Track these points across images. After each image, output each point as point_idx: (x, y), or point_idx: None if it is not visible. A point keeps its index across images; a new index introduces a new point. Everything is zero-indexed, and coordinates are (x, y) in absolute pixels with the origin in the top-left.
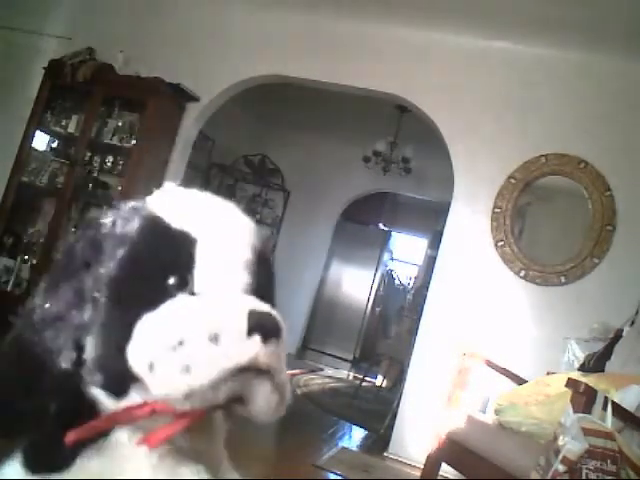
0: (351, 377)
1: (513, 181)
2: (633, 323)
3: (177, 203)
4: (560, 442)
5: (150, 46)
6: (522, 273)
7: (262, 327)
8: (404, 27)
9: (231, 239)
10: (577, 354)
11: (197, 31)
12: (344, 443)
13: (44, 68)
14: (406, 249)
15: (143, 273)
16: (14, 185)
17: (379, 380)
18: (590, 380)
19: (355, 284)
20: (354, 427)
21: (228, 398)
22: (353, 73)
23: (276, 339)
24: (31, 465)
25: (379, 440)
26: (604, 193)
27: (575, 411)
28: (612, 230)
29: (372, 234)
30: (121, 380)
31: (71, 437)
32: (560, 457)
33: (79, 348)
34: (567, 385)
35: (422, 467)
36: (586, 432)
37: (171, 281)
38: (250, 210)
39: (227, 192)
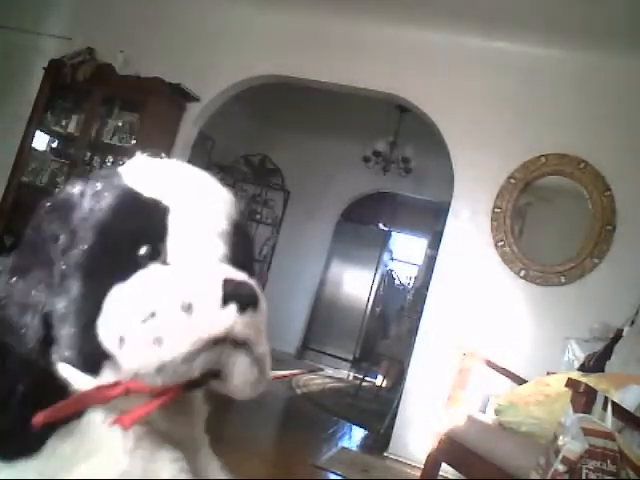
0: (351, 377)
1: (513, 181)
2: (633, 323)
3: (150, 172)
4: (560, 442)
5: (150, 46)
6: (522, 273)
7: (238, 296)
8: (404, 27)
9: (206, 208)
10: (577, 354)
11: (197, 31)
12: (344, 443)
13: (44, 68)
14: (406, 249)
15: (112, 243)
16: (14, 185)
17: (379, 380)
18: (590, 380)
19: (355, 284)
20: (354, 427)
21: (204, 372)
22: (353, 73)
23: (253, 309)
24: (2, 449)
25: (379, 440)
26: (604, 193)
27: (575, 411)
28: (612, 230)
29: (372, 234)
30: (93, 357)
31: (39, 419)
32: (560, 457)
33: (48, 326)
34: (567, 385)
35: (422, 467)
36: (586, 432)
37: (142, 251)
38: (250, 210)
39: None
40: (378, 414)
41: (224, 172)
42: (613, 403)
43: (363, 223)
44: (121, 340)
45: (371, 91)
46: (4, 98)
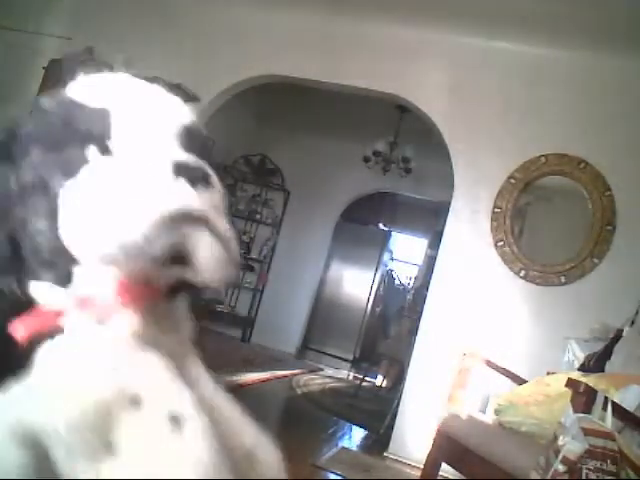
0: (351, 377)
1: (513, 181)
2: (633, 323)
3: (95, 84)
4: (560, 442)
5: (150, 46)
6: (522, 273)
7: (188, 172)
8: (404, 27)
9: (153, 113)
10: (577, 354)
11: (197, 31)
12: (344, 443)
13: (44, 68)
14: (406, 249)
15: (60, 147)
16: None
17: (379, 380)
18: (590, 380)
19: (355, 284)
20: (354, 427)
21: (171, 254)
22: (353, 73)
23: (205, 185)
24: None
25: (379, 440)
26: (604, 193)
27: (575, 411)
28: (612, 230)
29: (372, 234)
30: (62, 261)
31: (20, 331)
32: (560, 457)
33: (15, 246)
34: (567, 385)
35: (422, 467)
36: (586, 432)
37: (90, 150)
38: (250, 210)
39: (227, 192)
40: (378, 414)
41: (224, 172)
42: (613, 403)
43: (363, 223)
44: (82, 232)
45: (371, 91)
46: (4, 98)
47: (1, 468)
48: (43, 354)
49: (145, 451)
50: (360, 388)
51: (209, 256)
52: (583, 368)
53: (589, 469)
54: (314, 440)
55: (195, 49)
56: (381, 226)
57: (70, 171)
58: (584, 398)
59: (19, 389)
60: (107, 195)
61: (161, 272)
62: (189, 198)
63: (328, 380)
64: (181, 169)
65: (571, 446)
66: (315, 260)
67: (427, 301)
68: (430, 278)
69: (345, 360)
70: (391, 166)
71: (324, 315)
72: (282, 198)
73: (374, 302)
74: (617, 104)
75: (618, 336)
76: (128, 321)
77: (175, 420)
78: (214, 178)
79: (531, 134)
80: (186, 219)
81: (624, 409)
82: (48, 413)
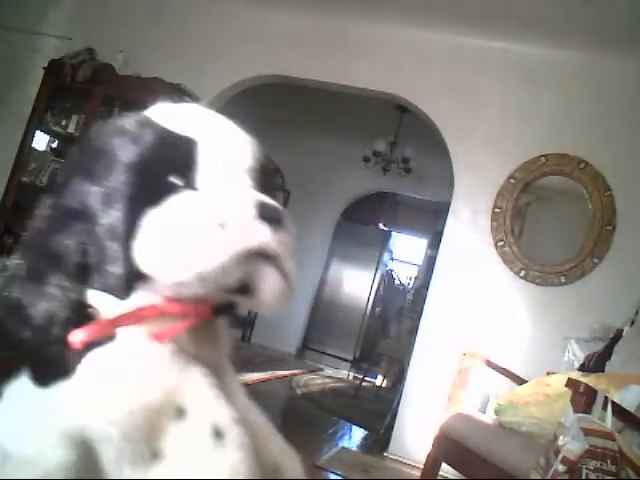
0: (351, 377)
1: (513, 181)
2: (633, 323)
3: (177, 113)
4: (560, 442)
5: (150, 46)
6: (522, 273)
7: (270, 215)
8: (404, 27)
9: (233, 145)
10: (577, 354)
11: (197, 31)
12: (344, 443)
13: (44, 68)
14: (406, 249)
15: (146, 173)
16: (14, 185)
17: (379, 380)
18: (590, 380)
19: (355, 284)
20: (354, 427)
21: (238, 284)
22: (353, 73)
23: (283, 229)
24: (39, 377)
25: (379, 440)
26: (604, 193)
27: (575, 411)
28: (612, 230)
29: (372, 234)
30: (128, 278)
31: (79, 337)
32: (560, 457)
33: (84, 255)
34: (567, 385)
35: (422, 467)
36: (586, 432)
37: (173, 179)
38: None
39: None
40: (378, 414)
41: None
42: (613, 403)
43: (363, 223)
44: (161, 257)
45: (371, 91)
46: (4, 98)
47: (49, 467)
48: (95, 359)
49: (189, 461)
50: (360, 388)
51: (273, 291)
52: (583, 368)
53: (589, 469)
54: (314, 440)
55: (195, 49)
56: (381, 226)
57: (153, 200)
58: (584, 398)
59: (70, 392)
60: (191, 226)
61: (224, 297)
62: (266, 237)
63: (328, 380)
64: (262, 209)
65: (571, 446)
66: (315, 260)
67: (427, 301)
68: (430, 278)
69: (345, 360)
70: (391, 166)
71: (324, 315)
72: (282, 198)
73: (374, 302)
74: (617, 104)
75: (618, 336)
76: (178, 336)
77: (218, 433)
78: (287, 221)
79: (531, 134)
80: (260, 256)
81: (624, 409)
82: (100, 416)
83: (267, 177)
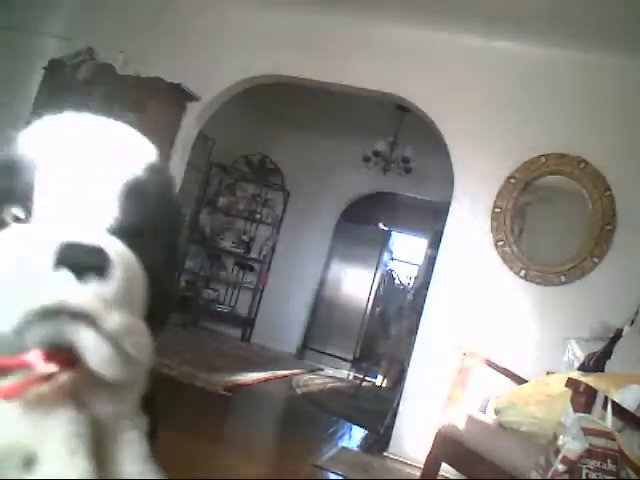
0: (351, 377)
1: (513, 181)
2: (633, 323)
3: (42, 129)
4: (560, 442)
5: (150, 46)
6: (522, 273)
7: (74, 261)
8: (404, 27)
9: (90, 162)
10: (577, 354)
11: (197, 31)
12: (344, 443)
13: (44, 68)
14: (406, 249)
15: None
16: None
17: (379, 380)
18: (590, 380)
19: (355, 284)
20: (354, 427)
21: (48, 347)
22: (353, 73)
23: (99, 277)
24: None
25: (379, 440)
26: (604, 193)
27: (575, 411)
28: (612, 230)
29: (372, 234)
30: None
31: None
32: (560, 457)
33: None
34: (567, 385)
35: (422, 467)
36: (586, 432)
37: (9, 212)
38: (250, 210)
39: (227, 192)
40: (378, 414)
41: (224, 172)
42: (613, 403)
43: (363, 223)
44: None
45: (371, 91)
46: (4, 98)
47: None
48: None
49: None
50: (360, 388)
51: (97, 358)
52: (583, 368)
53: (589, 469)
54: (314, 440)
55: (195, 49)
56: (381, 226)
57: None
58: (584, 398)
59: None
60: None
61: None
62: (69, 294)
63: (328, 380)
64: (67, 257)
65: (571, 446)
66: (315, 260)
67: (427, 301)
68: (430, 278)
69: (345, 360)
70: (391, 166)
71: (324, 315)
72: (282, 198)
73: (374, 302)
74: (617, 104)
75: (618, 336)
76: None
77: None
78: (114, 265)
79: (531, 134)
80: (66, 315)
81: (624, 409)
82: None
83: (149, 202)
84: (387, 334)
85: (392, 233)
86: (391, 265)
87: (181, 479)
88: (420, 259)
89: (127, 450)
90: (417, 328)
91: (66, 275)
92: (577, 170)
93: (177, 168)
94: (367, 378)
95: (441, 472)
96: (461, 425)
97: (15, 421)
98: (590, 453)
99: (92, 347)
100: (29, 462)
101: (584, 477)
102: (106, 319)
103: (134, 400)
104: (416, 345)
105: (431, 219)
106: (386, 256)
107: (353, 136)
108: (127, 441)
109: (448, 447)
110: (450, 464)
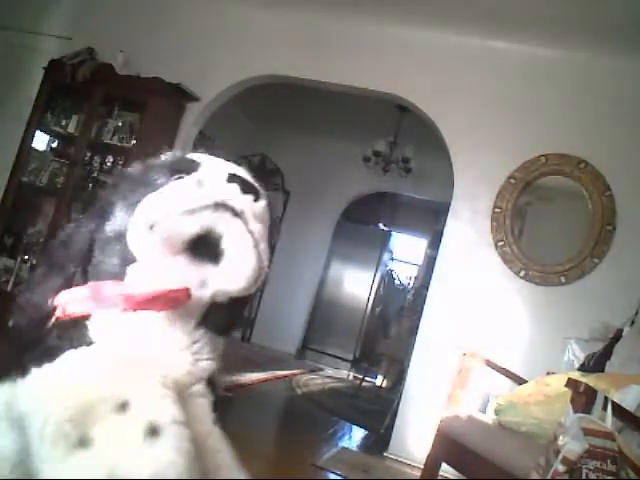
0: (351, 377)
1: (513, 181)
2: (633, 323)
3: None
4: (560, 442)
5: (150, 46)
6: (522, 273)
7: (241, 181)
8: (404, 27)
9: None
10: (577, 354)
11: (197, 31)
12: (344, 443)
13: (44, 68)
14: (406, 249)
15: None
16: (14, 185)
17: (379, 380)
18: (590, 380)
19: (355, 284)
20: (354, 427)
21: (204, 231)
22: (353, 73)
23: (255, 196)
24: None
25: (379, 440)
26: (604, 193)
27: (575, 411)
28: (612, 230)
29: (372, 234)
30: (125, 260)
31: (63, 312)
32: (560, 457)
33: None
34: (567, 385)
35: (422, 467)
36: (586, 432)
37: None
38: None
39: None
40: (378, 414)
41: None
42: (613, 403)
43: (363, 223)
44: (152, 225)
45: (371, 91)
46: (4, 98)
47: None
48: (67, 354)
49: (115, 452)
50: (360, 388)
51: (238, 247)
52: (583, 368)
53: (589, 469)
54: (314, 440)
55: (195, 49)
56: (381, 226)
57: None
58: (584, 398)
59: (31, 378)
60: (175, 186)
61: (191, 266)
62: (236, 197)
63: (328, 380)
64: (236, 178)
65: (571, 446)
66: (315, 260)
67: (427, 301)
68: (430, 278)
69: (345, 360)
70: (391, 166)
71: (324, 315)
72: (282, 198)
73: (374, 302)
74: (617, 104)
75: (618, 336)
76: (135, 335)
77: (153, 431)
78: (264, 197)
79: (531, 134)
80: (226, 209)
81: (624, 409)
82: (37, 404)
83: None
84: (387, 334)
85: (392, 233)
86: (391, 265)
87: None
88: (420, 259)
89: (199, 410)
90: (417, 328)
91: (234, 186)
92: (577, 170)
93: None
94: (367, 378)
95: (441, 472)
96: (461, 425)
97: (112, 369)
98: (590, 453)
99: (237, 239)
100: (124, 407)
101: (584, 477)
102: (253, 223)
103: (211, 367)
104: (416, 345)
105: (431, 219)
106: (386, 256)
107: (353, 136)
108: (198, 405)
109: (448, 447)
110: (450, 464)
